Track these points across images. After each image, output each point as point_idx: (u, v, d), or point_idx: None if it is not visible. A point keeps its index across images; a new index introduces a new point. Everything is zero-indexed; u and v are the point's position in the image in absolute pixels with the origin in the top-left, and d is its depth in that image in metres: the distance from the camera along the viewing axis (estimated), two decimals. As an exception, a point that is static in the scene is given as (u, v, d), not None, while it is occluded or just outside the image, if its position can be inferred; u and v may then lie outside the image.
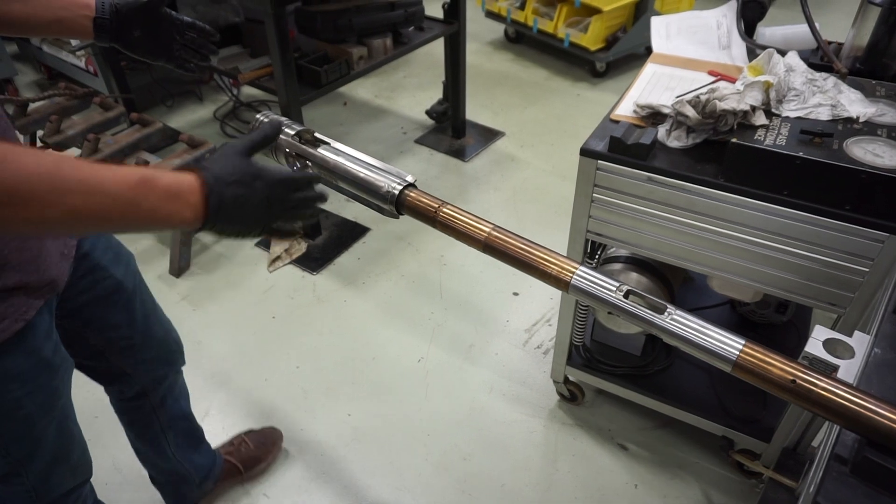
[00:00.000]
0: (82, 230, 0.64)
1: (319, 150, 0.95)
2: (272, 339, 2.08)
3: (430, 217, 0.87)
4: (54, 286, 0.91)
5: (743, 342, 0.70)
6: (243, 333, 2.10)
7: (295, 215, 0.81)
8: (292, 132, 0.96)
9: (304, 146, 0.96)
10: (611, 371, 1.68)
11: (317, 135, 0.97)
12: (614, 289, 0.76)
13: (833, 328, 1.16)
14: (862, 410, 0.64)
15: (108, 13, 0.99)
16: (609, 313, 1.01)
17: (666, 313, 0.73)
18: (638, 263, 1.53)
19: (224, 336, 2.10)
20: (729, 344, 0.70)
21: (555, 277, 0.79)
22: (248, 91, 3.39)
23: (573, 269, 0.78)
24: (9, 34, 0.98)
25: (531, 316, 2.14)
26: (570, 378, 1.77)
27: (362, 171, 0.90)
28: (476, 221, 0.85)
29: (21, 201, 0.57)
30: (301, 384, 1.93)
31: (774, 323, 1.73)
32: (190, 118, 3.29)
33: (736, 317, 1.78)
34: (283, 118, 0.98)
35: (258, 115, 0.97)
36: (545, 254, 0.81)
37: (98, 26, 0.99)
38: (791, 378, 0.66)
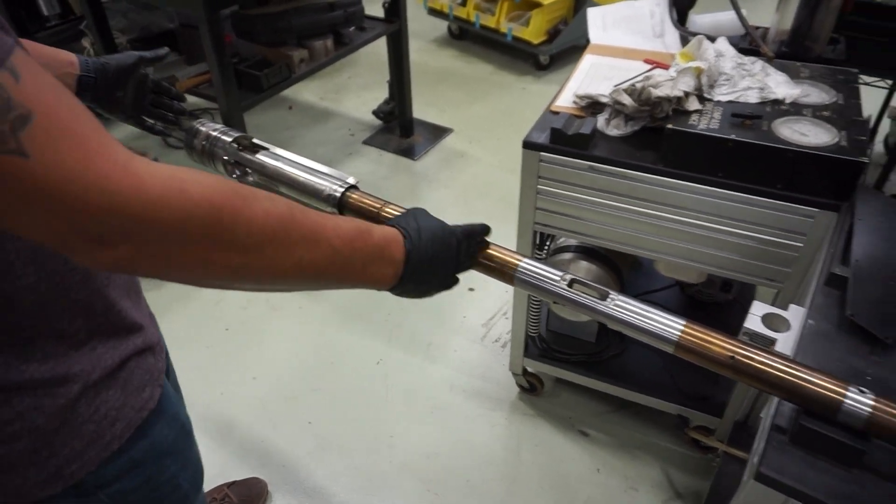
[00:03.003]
0: (298, 285, 0.58)
1: (258, 155, 0.93)
2: (226, 351, 2.04)
3: (373, 218, 0.86)
4: (162, 345, 0.87)
5: (683, 323, 0.71)
6: (196, 348, 2.05)
7: (469, 264, 0.78)
8: (229, 139, 0.95)
9: (242, 153, 0.94)
10: (567, 359, 1.71)
11: (255, 140, 0.95)
12: (558, 278, 0.77)
13: (773, 303, 1.21)
14: (797, 381, 0.66)
15: (93, 71, 0.92)
16: (555, 303, 1.03)
17: (609, 299, 0.74)
18: (587, 252, 1.56)
19: (175, 351, 2.00)
20: (670, 325, 0.71)
21: (499, 271, 0.79)
22: (188, 99, 3.30)
23: (517, 262, 0.79)
24: None
25: (488, 310, 2.15)
26: (529, 369, 1.79)
27: (302, 176, 0.89)
28: (419, 219, 0.85)
29: (258, 248, 0.52)
30: (259, 395, 1.89)
31: (720, 302, 1.78)
32: (129, 129, 3.16)
33: (684, 298, 1.83)
34: (219, 125, 0.96)
35: (194, 123, 0.95)
36: (488, 248, 0.81)
37: (82, 84, 0.91)
38: (730, 354, 0.68)
